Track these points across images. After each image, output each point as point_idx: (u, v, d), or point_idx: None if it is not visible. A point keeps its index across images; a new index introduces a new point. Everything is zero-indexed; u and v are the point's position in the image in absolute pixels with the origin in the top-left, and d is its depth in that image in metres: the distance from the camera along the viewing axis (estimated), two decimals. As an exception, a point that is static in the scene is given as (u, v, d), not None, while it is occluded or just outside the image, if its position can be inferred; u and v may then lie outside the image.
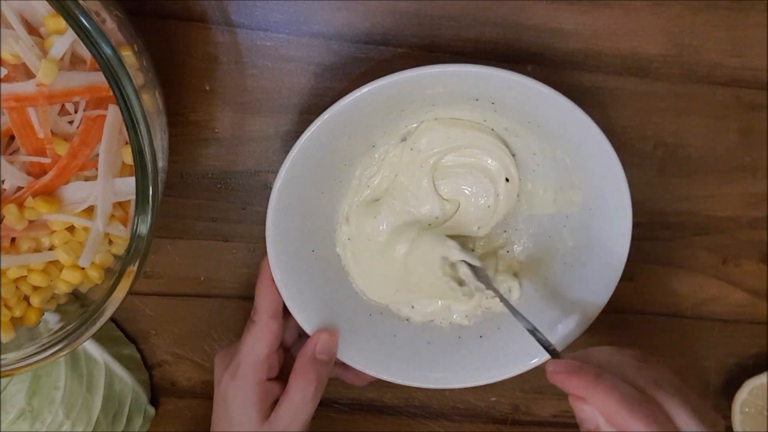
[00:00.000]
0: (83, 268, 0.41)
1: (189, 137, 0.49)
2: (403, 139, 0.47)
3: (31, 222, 0.40)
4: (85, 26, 0.33)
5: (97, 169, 0.39)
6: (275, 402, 0.45)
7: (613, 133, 0.42)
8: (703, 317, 0.55)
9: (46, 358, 0.39)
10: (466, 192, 0.48)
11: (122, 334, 0.53)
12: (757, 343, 0.56)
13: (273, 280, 0.45)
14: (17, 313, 0.42)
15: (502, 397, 0.56)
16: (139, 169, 0.35)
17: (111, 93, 0.34)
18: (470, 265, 0.46)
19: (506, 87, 0.41)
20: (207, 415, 0.47)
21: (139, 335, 0.53)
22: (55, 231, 0.40)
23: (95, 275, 0.42)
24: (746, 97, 0.50)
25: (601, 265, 0.46)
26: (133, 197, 0.40)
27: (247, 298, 0.52)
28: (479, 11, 0.47)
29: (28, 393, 0.47)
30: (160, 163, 0.37)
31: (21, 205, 0.39)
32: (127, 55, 0.36)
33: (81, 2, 0.32)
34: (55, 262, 0.41)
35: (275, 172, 0.42)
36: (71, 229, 0.41)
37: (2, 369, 0.39)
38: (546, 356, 0.47)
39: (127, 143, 0.39)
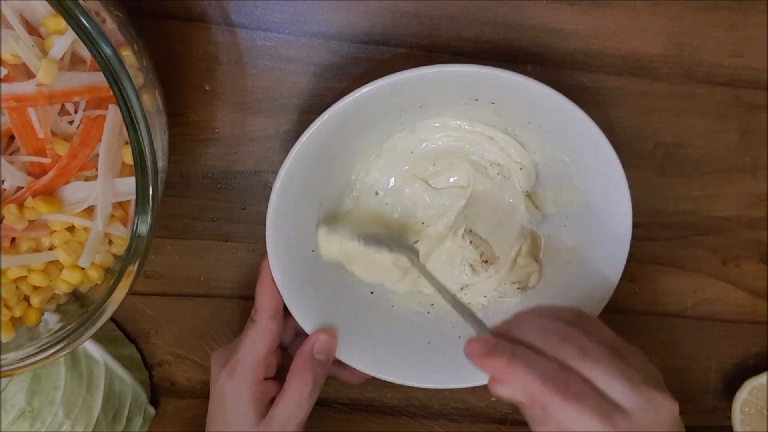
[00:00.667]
0: (83, 268, 0.41)
1: (189, 137, 0.49)
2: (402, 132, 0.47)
3: (31, 222, 0.40)
4: (85, 26, 0.33)
5: (97, 169, 0.39)
6: (272, 401, 0.45)
7: (613, 133, 0.43)
8: (703, 317, 0.55)
9: (46, 358, 0.39)
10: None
11: (122, 334, 0.53)
12: (757, 343, 0.56)
13: (273, 280, 0.45)
14: (17, 313, 0.42)
15: (502, 397, 0.56)
16: (139, 169, 0.35)
17: (111, 93, 0.34)
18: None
19: (506, 87, 0.41)
20: (206, 415, 0.47)
21: (139, 335, 0.53)
22: (55, 231, 0.40)
23: (95, 275, 0.42)
24: (746, 97, 0.50)
25: (601, 265, 0.46)
26: (133, 197, 0.40)
27: (247, 298, 0.52)
28: (479, 11, 0.47)
29: (28, 393, 0.47)
30: (160, 163, 0.37)
31: (21, 205, 0.39)
32: (127, 55, 0.36)
33: (81, 2, 0.32)
34: (55, 262, 0.41)
35: (275, 172, 0.42)
36: (71, 229, 0.41)
37: (2, 369, 0.39)
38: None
39: (127, 143, 0.39)
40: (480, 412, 0.57)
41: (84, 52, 0.39)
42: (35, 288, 0.42)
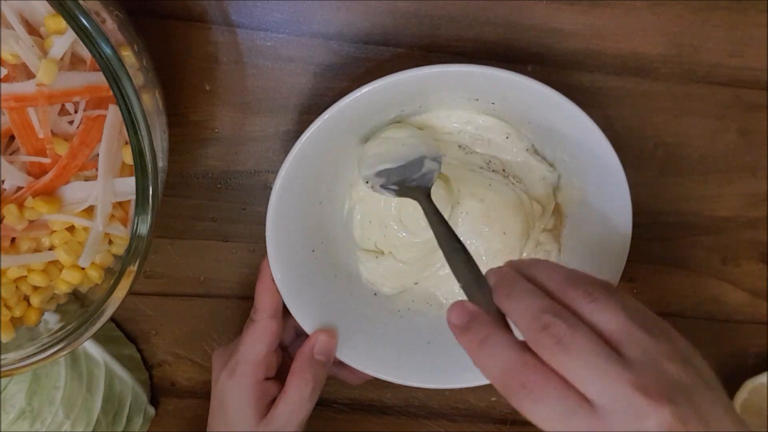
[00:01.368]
0: (83, 268, 0.41)
1: (189, 137, 0.49)
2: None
3: (31, 222, 0.40)
4: (85, 26, 0.33)
5: (97, 169, 0.39)
6: (272, 401, 0.45)
7: (613, 133, 0.42)
8: (703, 317, 0.55)
9: (46, 358, 0.39)
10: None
11: (122, 334, 0.53)
12: (757, 343, 0.56)
13: (273, 280, 0.45)
14: (17, 313, 0.42)
15: (502, 397, 0.56)
16: (139, 169, 0.35)
17: (111, 93, 0.34)
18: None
19: (506, 87, 0.41)
20: (207, 415, 0.47)
21: (139, 335, 0.53)
22: (55, 231, 0.40)
23: (95, 275, 0.42)
24: (746, 97, 0.50)
25: (602, 265, 0.46)
26: (133, 197, 0.40)
27: (247, 298, 0.52)
28: (479, 11, 0.47)
29: (28, 393, 0.47)
30: (160, 163, 0.37)
31: (21, 205, 0.39)
32: (127, 55, 0.36)
33: (81, 2, 0.32)
34: (55, 262, 0.41)
35: (275, 172, 0.42)
36: (71, 229, 0.41)
37: (2, 369, 0.39)
38: None
39: (127, 143, 0.39)
40: (480, 412, 0.57)
41: (84, 52, 0.39)
42: (35, 288, 0.42)
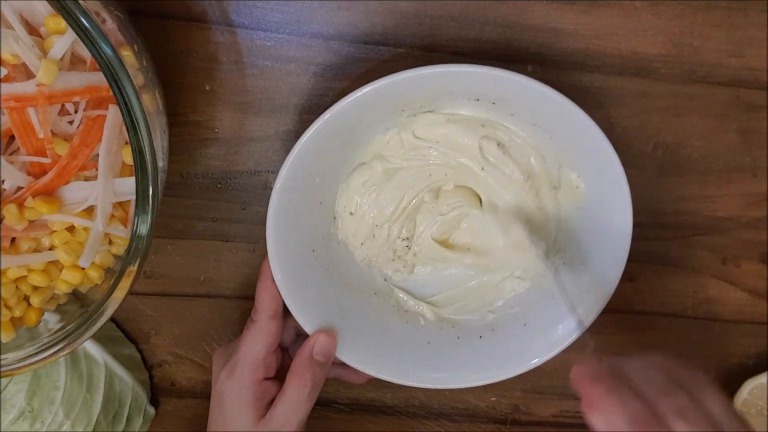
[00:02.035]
0: (83, 268, 0.41)
1: (189, 137, 0.49)
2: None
3: (31, 222, 0.40)
4: (85, 26, 0.33)
5: (97, 169, 0.39)
6: (271, 401, 0.45)
7: (613, 133, 0.43)
8: (703, 317, 0.55)
9: (46, 358, 0.39)
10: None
11: (122, 334, 0.53)
12: (757, 343, 0.56)
13: (273, 280, 0.45)
14: (17, 313, 0.42)
15: (502, 397, 0.56)
16: (139, 169, 0.35)
17: (111, 93, 0.34)
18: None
19: (506, 87, 0.41)
20: (207, 415, 0.47)
21: (139, 335, 0.53)
22: (55, 231, 0.40)
23: (95, 275, 0.42)
24: (746, 97, 0.50)
25: (601, 265, 0.46)
26: (133, 197, 0.40)
27: (247, 298, 0.52)
28: (479, 11, 0.47)
29: (28, 393, 0.47)
30: (160, 163, 0.37)
31: (21, 205, 0.39)
32: (127, 55, 0.36)
33: (81, 2, 0.32)
34: (55, 262, 0.41)
35: (275, 172, 0.42)
36: (71, 229, 0.41)
37: (2, 369, 0.39)
38: (548, 357, 0.47)
39: (127, 143, 0.39)
40: (480, 412, 0.57)
41: (84, 52, 0.39)
42: (35, 288, 0.42)
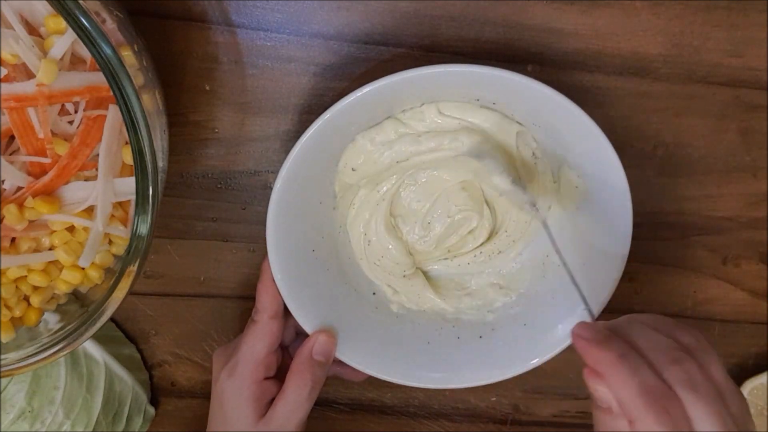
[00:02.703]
0: (83, 268, 0.41)
1: (189, 137, 0.49)
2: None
3: (31, 222, 0.40)
4: (85, 26, 0.33)
5: (97, 169, 0.39)
6: (271, 401, 0.45)
7: (613, 133, 0.42)
8: (703, 317, 0.55)
9: (46, 358, 0.39)
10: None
11: (122, 334, 0.53)
12: (757, 343, 0.56)
13: (273, 280, 0.45)
14: (17, 313, 0.42)
15: (502, 397, 0.56)
16: (139, 169, 0.35)
17: (111, 93, 0.34)
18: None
19: (506, 87, 0.41)
20: (207, 415, 0.47)
21: (139, 335, 0.53)
22: (55, 231, 0.40)
23: (95, 275, 0.42)
24: (746, 97, 0.50)
25: (602, 266, 0.46)
26: (133, 197, 0.40)
27: (247, 298, 0.52)
28: (479, 11, 0.47)
29: (28, 393, 0.47)
30: (160, 163, 0.37)
31: (21, 205, 0.39)
32: (127, 55, 0.36)
33: (81, 2, 0.32)
34: (55, 262, 0.41)
35: (275, 172, 0.42)
36: (71, 229, 0.41)
37: (2, 369, 0.39)
38: (548, 357, 0.47)
39: (127, 143, 0.39)
40: (480, 412, 0.57)
41: (84, 52, 0.39)
42: (35, 288, 0.42)
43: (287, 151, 0.42)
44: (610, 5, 0.47)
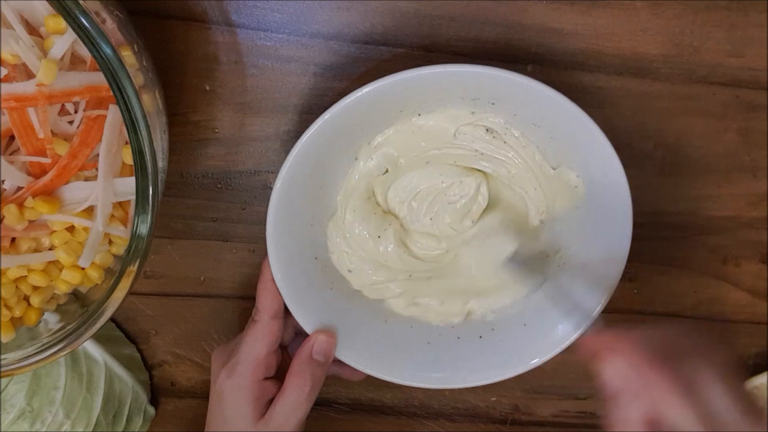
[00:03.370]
0: (83, 268, 0.41)
1: (189, 137, 0.49)
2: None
3: (31, 222, 0.40)
4: (85, 26, 0.33)
5: (97, 169, 0.39)
6: (271, 401, 0.45)
7: (613, 133, 0.43)
8: (703, 317, 0.55)
9: (46, 358, 0.39)
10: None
11: (122, 334, 0.53)
12: (757, 343, 0.56)
13: (274, 280, 0.45)
14: (17, 313, 0.42)
15: (502, 397, 0.56)
16: (139, 169, 0.35)
17: (111, 93, 0.34)
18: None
19: (506, 87, 0.41)
20: (206, 415, 0.47)
21: (139, 335, 0.53)
22: (55, 231, 0.40)
23: (95, 275, 0.42)
24: (746, 97, 0.50)
25: (602, 266, 0.46)
26: (133, 197, 0.40)
27: (247, 298, 0.52)
28: (479, 11, 0.47)
29: (28, 393, 0.47)
30: (160, 163, 0.37)
31: (21, 205, 0.39)
32: (127, 55, 0.36)
33: (81, 2, 0.32)
34: (55, 262, 0.41)
35: (275, 172, 0.42)
36: (71, 229, 0.41)
37: (2, 369, 0.39)
38: (548, 357, 0.47)
39: (127, 143, 0.39)
40: (480, 412, 0.57)
41: (84, 52, 0.39)
42: (35, 288, 0.42)
43: (287, 151, 0.42)
44: (610, 5, 0.47)
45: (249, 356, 0.45)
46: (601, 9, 0.47)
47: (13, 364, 0.39)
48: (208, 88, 0.48)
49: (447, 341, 0.49)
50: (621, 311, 0.53)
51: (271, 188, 0.42)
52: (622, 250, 0.45)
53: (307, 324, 0.46)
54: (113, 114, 0.38)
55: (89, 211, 0.40)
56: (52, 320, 0.43)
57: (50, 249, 0.41)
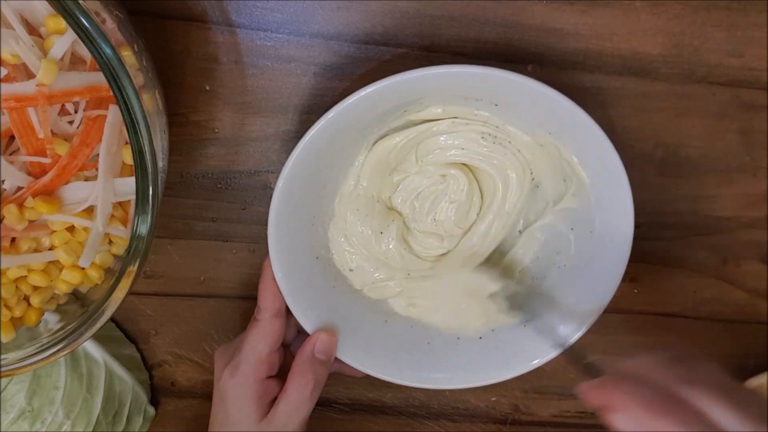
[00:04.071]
0: (83, 268, 0.41)
1: (189, 137, 0.49)
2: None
3: (31, 222, 0.40)
4: (85, 26, 0.33)
5: (97, 169, 0.39)
6: (273, 400, 0.45)
7: (613, 133, 0.43)
8: (703, 317, 0.55)
9: (46, 358, 0.39)
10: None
11: (122, 334, 0.53)
12: (757, 343, 0.56)
13: (275, 280, 0.45)
14: (17, 313, 0.42)
15: (502, 397, 0.56)
16: (139, 169, 0.35)
17: (111, 93, 0.34)
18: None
19: (506, 87, 0.41)
20: (207, 415, 0.47)
21: (139, 335, 0.53)
22: (55, 231, 0.40)
23: (95, 275, 0.42)
24: (746, 97, 0.50)
25: (602, 266, 0.46)
26: (133, 197, 0.40)
27: (247, 298, 0.52)
28: (479, 11, 0.47)
29: (28, 393, 0.47)
30: (160, 163, 0.37)
31: (21, 205, 0.39)
32: (127, 55, 0.36)
33: (81, 2, 0.32)
34: (55, 262, 0.41)
35: (275, 172, 0.42)
36: (71, 229, 0.41)
37: (2, 369, 0.39)
38: (548, 357, 0.47)
39: (127, 143, 0.39)
40: (480, 412, 0.57)
41: (84, 52, 0.39)
42: (35, 288, 0.42)
43: (287, 151, 0.42)
44: (610, 5, 0.47)
45: (251, 355, 0.45)
46: (601, 9, 0.47)
47: (13, 364, 0.39)
48: (208, 88, 0.48)
49: (447, 341, 0.49)
50: (621, 311, 0.53)
51: (271, 188, 0.42)
52: (622, 250, 0.45)
53: (307, 323, 0.46)
54: (113, 114, 0.38)
55: (89, 211, 0.40)
56: (52, 320, 0.43)
57: (50, 249, 0.41)
